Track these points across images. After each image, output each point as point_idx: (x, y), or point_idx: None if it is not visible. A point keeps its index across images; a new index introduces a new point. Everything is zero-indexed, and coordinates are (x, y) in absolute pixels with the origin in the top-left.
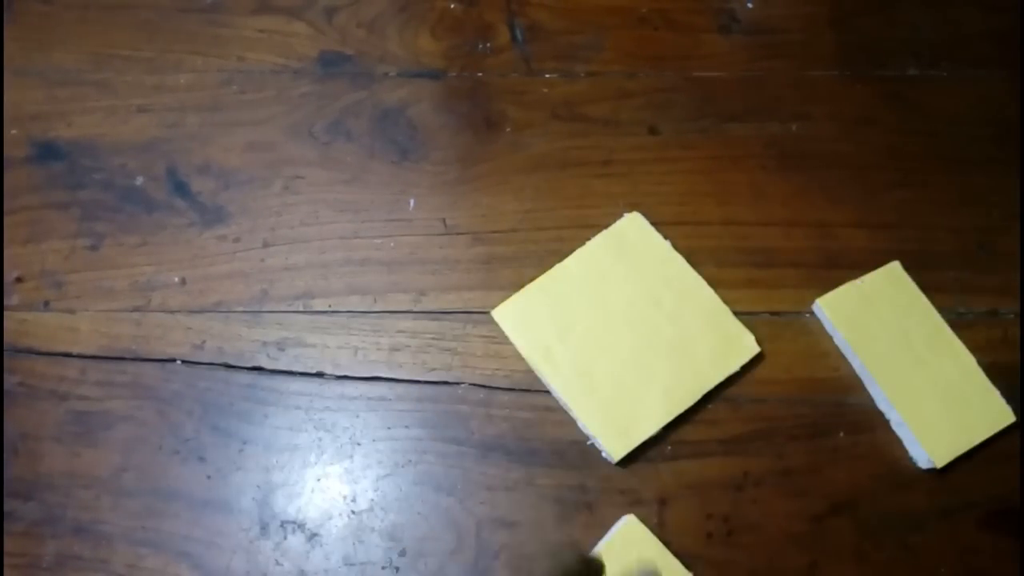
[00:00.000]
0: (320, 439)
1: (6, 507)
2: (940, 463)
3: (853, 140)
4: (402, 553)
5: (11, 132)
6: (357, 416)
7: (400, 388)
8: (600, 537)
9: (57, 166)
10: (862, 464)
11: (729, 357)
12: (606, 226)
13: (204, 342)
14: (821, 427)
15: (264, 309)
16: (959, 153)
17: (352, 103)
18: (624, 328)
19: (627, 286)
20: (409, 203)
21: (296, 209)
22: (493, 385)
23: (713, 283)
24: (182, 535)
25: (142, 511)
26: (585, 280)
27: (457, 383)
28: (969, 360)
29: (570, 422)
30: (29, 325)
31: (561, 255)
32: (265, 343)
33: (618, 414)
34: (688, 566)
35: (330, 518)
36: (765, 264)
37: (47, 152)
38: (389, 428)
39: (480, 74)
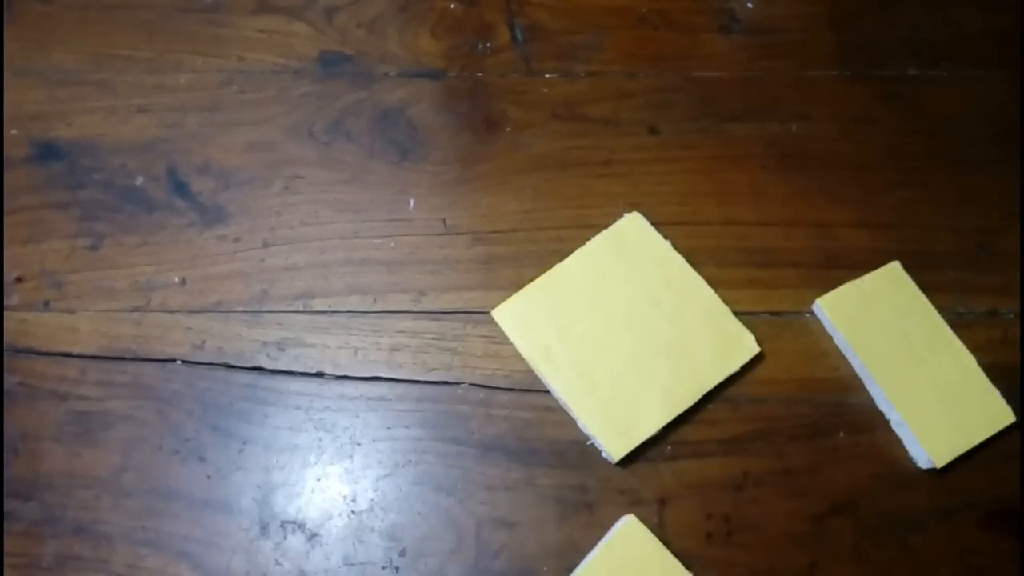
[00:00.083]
0: (320, 439)
1: (6, 507)
2: (940, 463)
3: (853, 140)
4: (402, 553)
5: (11, 132)
6: (357, 416)
7: (400, 388)
8: (600, 537)
9: (57, 166)
10: (862, 464)
11: (729, 357)
12: (606, 226)
13: (204, 342)
14: (821, 427)
15: (264, 309)
16: (959, 153)
17: (352, 103)
18: (624, 328)
19: (627, 286)
20: (409, 203)
21: (296, 209)
22: (493, 385)
23: (713, 283)
24: (182, 535)
25: (142, 511)
26: (585, 280)
27: (457, 383)
28: (969, 360)
29: (570, 422)
30: (29, 325)
31: (561, 255)
32: (265, 343)
33: (618, 414)
34: (688, 566)
35: (330, 518)
36: (765, 264)
37: (47, 152)
38: (389, 428)
39: (480, 74)
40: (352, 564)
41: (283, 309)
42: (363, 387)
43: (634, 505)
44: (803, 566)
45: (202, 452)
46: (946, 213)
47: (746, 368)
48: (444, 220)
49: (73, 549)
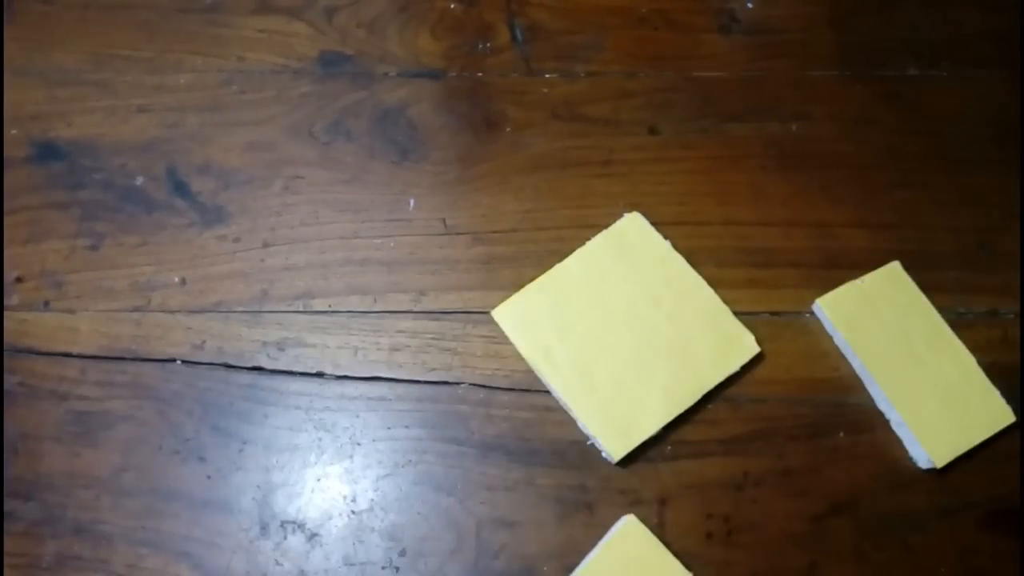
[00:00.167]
0: (320, 439)
1: (6, 507)
2: (940, 463)
3: (853, 140)
4: (402, 553)
5: (11, 132)
6: (357, 416)
7: (400, 388)
8: (600, 537)
9: (57, 166)
10: (862, 464)
11: (729, 357)
12: (606, 226)
13: (204, 342)
14: (821, 427)
15: (264, 309)
16: (959, 153)
17: (352, 103)
18: (624, 328)
19: (627, 286)
20: (409, 203)
21: (296, 209)
22: (493, 385)
23: (713, 283)
24: (182, 535)
25: (142, 511)
26: (585, 280)
27: (457, 383)
28: (969, 360)
29: (570, 422)
30: (29, 325)
31: (561, 255)
32: (265, 343)
33: (618, 414)
34: (688, 566)
35: (330, 518)
36: (765, 264)
37: (47, 152)
38: (389, 428)
39: (480, 74)
40: (352, 564)
41: (283, 309)
42: (363, 387)
43: (634, 505)
44: (803, 566)
45: (202, 452)
46: (946, 213)
47: (746, 368)
48: (444, 220)
49: (73, 549)
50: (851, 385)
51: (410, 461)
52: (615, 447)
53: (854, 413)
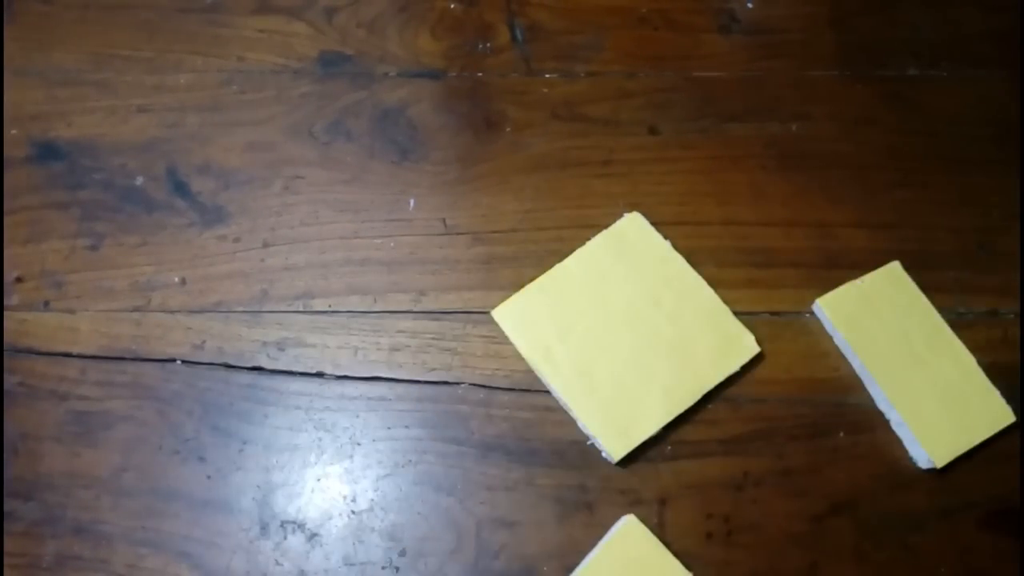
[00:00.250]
0: (320, 439)
1: (6, 507)
2: (940, 463)
3: (853, 140)
4: (402, 553)
5: (11, 132)
6: (357, 416)
7: (400, 388)
8: (600, 537)
9: (57, 166)
10: (862, 464)
11: (729, 357)
12: (606, 226)
13: (204, 342)
14: (821, 427)
15: (264, 309)
16: (959, 153)
17: (352, 103)
18: (624, 328)
19: (627, 286)
20: (409, 203)
21: (296, 209)
22: (493, 385)
23: (713, 283)
24: (182, 535)
25: (142, 511)
26: (585, 280)
27: (457, 383)
28: (969, 360)
29: (570, 422)
30: (29, 325)
31: (561, 255)
32: (265, 343)
33: (618, 414)
34: (688, 566)
35: (330, 518)
36: (765, 264)
37: (47, 152)
38: (389, 428)
39: (480, 74)
40: (352, 564)
41: (283, 309)
42: (363, 387)
43: (634, 505)
44: (803, 566)
45: (202, 452)
46: (946, 213)
47: (746, 368)
48: (444, 220)
49: (73, 549)
50: (851, 385)
51: (410, 461)
52: (615, 447)
53: (854, 413)
